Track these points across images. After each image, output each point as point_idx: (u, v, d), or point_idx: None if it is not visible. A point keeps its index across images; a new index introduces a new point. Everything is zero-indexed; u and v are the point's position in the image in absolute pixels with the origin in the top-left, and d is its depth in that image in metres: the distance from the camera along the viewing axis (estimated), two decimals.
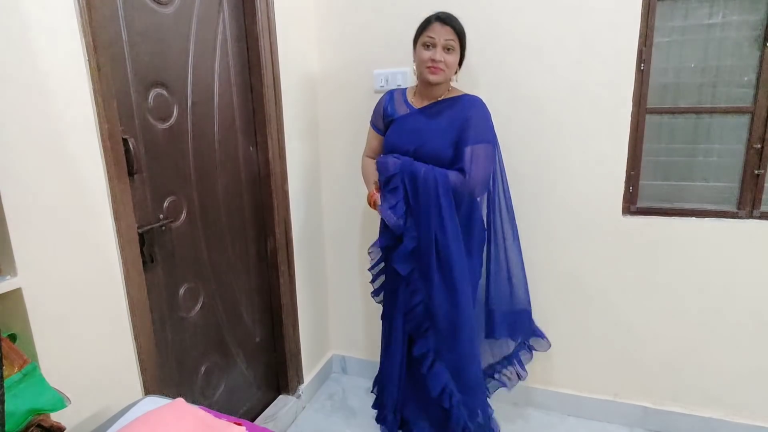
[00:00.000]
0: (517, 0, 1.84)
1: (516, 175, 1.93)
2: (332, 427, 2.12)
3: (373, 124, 1.88)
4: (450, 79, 1.70)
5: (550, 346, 1.95)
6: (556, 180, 1.94)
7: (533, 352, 1.94)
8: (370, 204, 1.82)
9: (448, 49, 1.61)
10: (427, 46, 1.62)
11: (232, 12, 1.74)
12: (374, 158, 1.86)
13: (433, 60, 1.60)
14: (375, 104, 1.86)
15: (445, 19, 1.60)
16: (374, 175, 1.83)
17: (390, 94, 1.81)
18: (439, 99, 1.71)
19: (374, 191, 1.80)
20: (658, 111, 1.83)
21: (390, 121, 1.77)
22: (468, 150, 1.63)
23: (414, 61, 1.70)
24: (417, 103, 1.74)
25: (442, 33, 1.59)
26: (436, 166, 1.67)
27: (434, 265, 1.69)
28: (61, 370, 1.12)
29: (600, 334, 2.03)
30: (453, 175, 1.66)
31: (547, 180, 1.95)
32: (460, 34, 1.62)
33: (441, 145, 1.67)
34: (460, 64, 1.68)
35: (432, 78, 1.63)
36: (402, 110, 1.76)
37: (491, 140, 1.69)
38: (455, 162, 1.66)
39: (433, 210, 1.66)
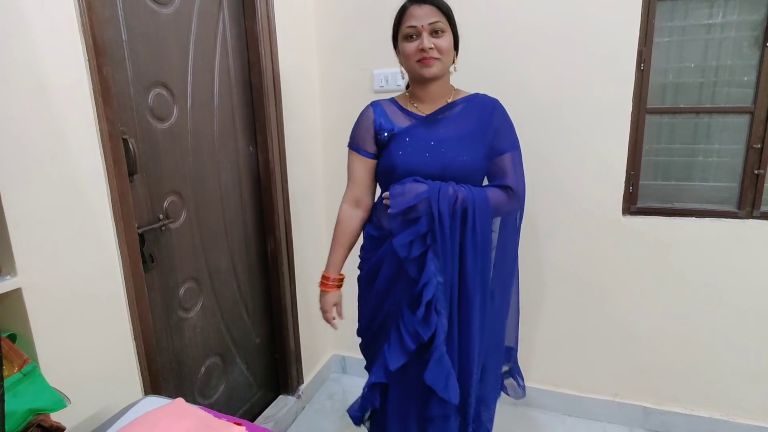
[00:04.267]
0: (517, 1, 1.84)
1: None
2: (332, 427, 2.12)
3: (357, 147, 1.43)
4: (449, 71, 1.38)
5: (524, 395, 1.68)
6: (555, 180, 1.94)
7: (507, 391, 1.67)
8: (323, 309, 1.50)
9: (437, 32, 1.29)
10: (410, 37, 1.30)
11: (232, 12, 1.74)
12: (359, 200, 1.45)
13: (422, 50, 1.28)
14: (356, 121, 1.45)
15: None
16: (348, 238, 1.48)
17: (377, 106, 1.43)
18: (450, 101, 1.39)
19: (330, 279, 1.48)
20: (658, 111, 1.83)
21: (389, 137, 1.38)
22: (508, 159, 1.37)
23: (400, 63, 1.39)
24: (423, 110, 1.39)
25: (422, 16, 1.28)
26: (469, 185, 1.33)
27: (454, 316, 1.36)
28: (61, 370, 1.12)
29: (600, 334, 2.03)
30: (496, 195, 1.35)
31: (547, 180, 1.95)
32: (446, 11, 1.31)
33: (475, 158, 1.33)
34: (456, 48, 1.37)
35: (428, 72, 1.30)
36: (403, 122, 1.38)
37: (519, 146, 1.44)
38: (491, 177, 1.39)
39: (468, 245, 1.31)
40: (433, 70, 1.31)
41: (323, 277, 1.50)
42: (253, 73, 1.83)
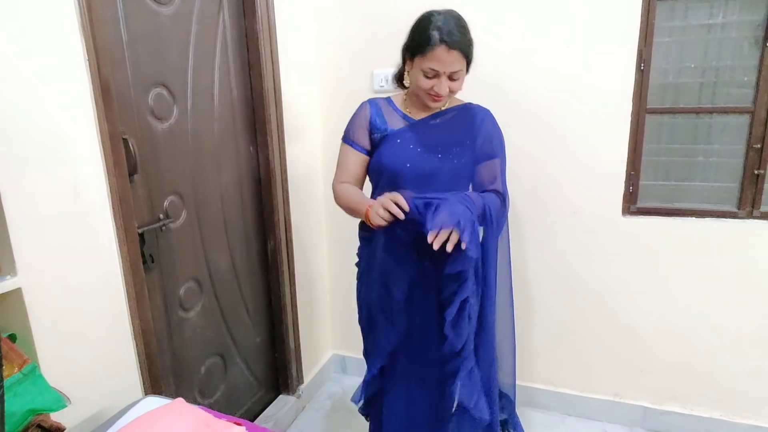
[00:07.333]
0: (517, 0, 1.84)
1: (516, 175, 1.93)
2: (332, 427, 2.12)
3: (352, 141, 1.44)
4: None
5: None
6: (556, 180, 1.94)
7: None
8: (373, 219, 1.24)
9: (454, 74, 1.29)
10: (427, 72, 1.29)
11: (232, 12, 1.74)
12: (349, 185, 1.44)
13: (437, 93, 1.31)
14: (352, 116, 1.47)
15: (451, 43, 1.24)
16: (361, 195, 1.39)
17: (374, 104, 1.44)
18: (444, 108, 1.42)
19: (372, 206, 1.27)
20: (658, 111, 1.83)
21: (381, 137, 1.40)
22: (498, 164, 1.40)
23: (406, 71, 1.38)
24: (416, 115, 1.41)
25: (448, 62, 1.25)
26: (456, 191, 1.32)
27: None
28: (61, 370, 1.13)
29: (600, 334, 2.03)
30: (492, 201, 1.35)
31: (547, 180, 1.95)
32: (468, 56, 1.30)
33: (463, 163, 1.38)
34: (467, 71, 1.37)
35: (435, 105, 1.37)
36: (396, 123, 1.40)
37: (506, 157, 1.47)
38: (478, 182, 1.41)
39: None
40: (440, 104, 1.37)
41: (367, 207, 1.27)
42: (253, 73, 1.82)
